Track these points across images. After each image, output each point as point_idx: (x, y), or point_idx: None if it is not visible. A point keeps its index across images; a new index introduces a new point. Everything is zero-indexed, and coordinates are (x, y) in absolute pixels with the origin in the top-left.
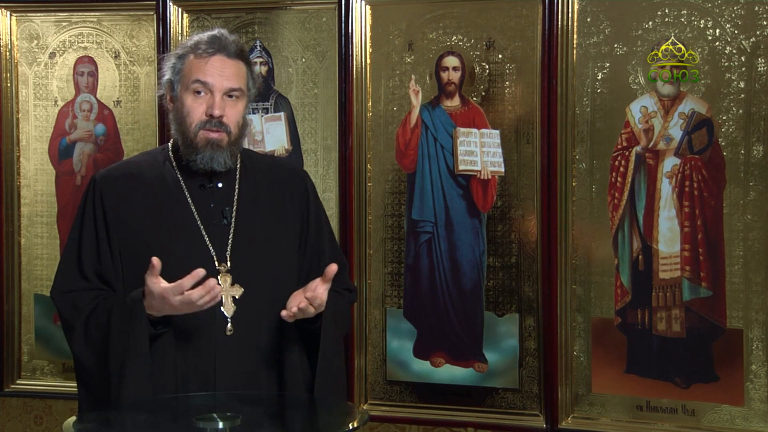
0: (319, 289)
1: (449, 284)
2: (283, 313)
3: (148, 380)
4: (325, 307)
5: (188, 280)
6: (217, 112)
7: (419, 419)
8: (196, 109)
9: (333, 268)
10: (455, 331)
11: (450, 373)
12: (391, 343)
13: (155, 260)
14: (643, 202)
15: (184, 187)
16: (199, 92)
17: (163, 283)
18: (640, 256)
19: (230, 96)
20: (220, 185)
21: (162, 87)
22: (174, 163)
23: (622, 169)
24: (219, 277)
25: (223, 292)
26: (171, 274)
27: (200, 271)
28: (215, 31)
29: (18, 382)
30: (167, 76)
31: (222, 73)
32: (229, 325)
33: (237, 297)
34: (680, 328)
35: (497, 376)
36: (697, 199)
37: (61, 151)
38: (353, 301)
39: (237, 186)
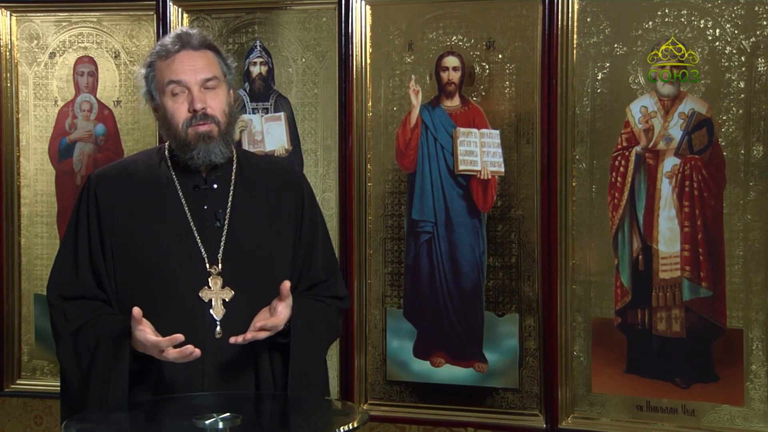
0: (279, 310)
1: (449, 284)
2: (231, 339)
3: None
4: (295, 323)
5: (166, 342)
6: (198, 106)
7: (419, 419)
8: (178, 110)
9: (286, 285)
10: (455, 331)
11: (450, 373)
12: (391, 343)
13: (136, 311)
14: (643, 202)
15: (179, 187)
16: (176, 93)
17: (147, 333)
18: (640, 256)
19: (207, 87)
20: (215, 186)
21: (143, 100)
22: (170, 164)
23: (622, 169)
24: (210, 279)
25: (214, 294)
26: (163, 275)
27: (179, 337)
28: (177, 30)
29: (18, 382)
30: (144, 88)
31: (192, 67)
32: (218, 328)
33: (227, 300)
34: (680, 328)
35: (497, 376)
36: (697, 199)
37: (61, 151)
38: (343, 308)
39: (232, 188)
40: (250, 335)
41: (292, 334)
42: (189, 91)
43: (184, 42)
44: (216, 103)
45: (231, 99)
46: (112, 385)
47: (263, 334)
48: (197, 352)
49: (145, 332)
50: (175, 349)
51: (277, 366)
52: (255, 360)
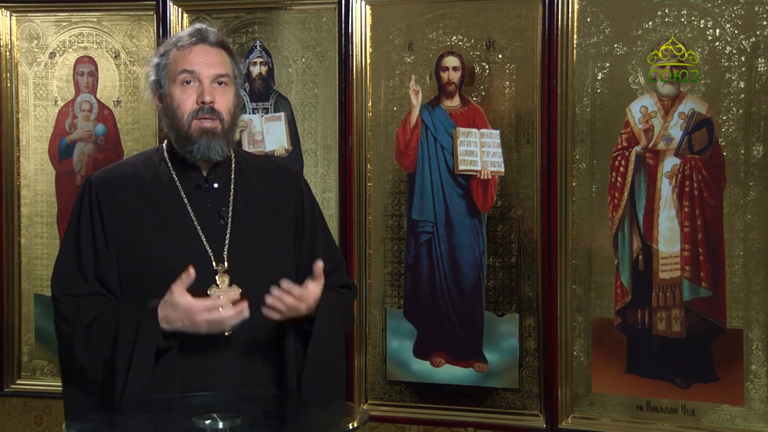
0: (310, 287)
1: (449, 284)
2: (266, 309)
3: (149, 388)
4: (320, 307)
5: (225, 299)
6: (208, 98)
7: (419, 419)
8: (186, 100)
9: (319, 264)
10: (455, 331)
11: (450, 373)
12: (391, 343)
13: (192, 271)
14: (643, 202)
15: (180, 187)
16: (187, 82)
17: (192, 298)
18: (640, 256)
19: (219, 83)
20: (215, 186)
21: (148, 89)
22: (169, 164)
23: (622, 169)
24: (217, 277)
25: (222, 292)
26: (170, 275)
27: (235, 293)
28: (195, 25)
29: (18, 382)
30: (152, 77)
31: (207, 60)
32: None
33: None
34: (680, 328)
35: (497, 376)
36: (697, 199)
37: (61, 151)
38: (353, 297)
39: (232, 186)
40: (277, 303)
41: (317, 320)
42: (200, 83)
43: (201, 36)
44: (224, 100)
45: (237, 102)
46: (135, 362)
47: (290, 300)
48: (246, 307)
49: (188, 296)
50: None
51: (285, 364)
52: (264, 358)
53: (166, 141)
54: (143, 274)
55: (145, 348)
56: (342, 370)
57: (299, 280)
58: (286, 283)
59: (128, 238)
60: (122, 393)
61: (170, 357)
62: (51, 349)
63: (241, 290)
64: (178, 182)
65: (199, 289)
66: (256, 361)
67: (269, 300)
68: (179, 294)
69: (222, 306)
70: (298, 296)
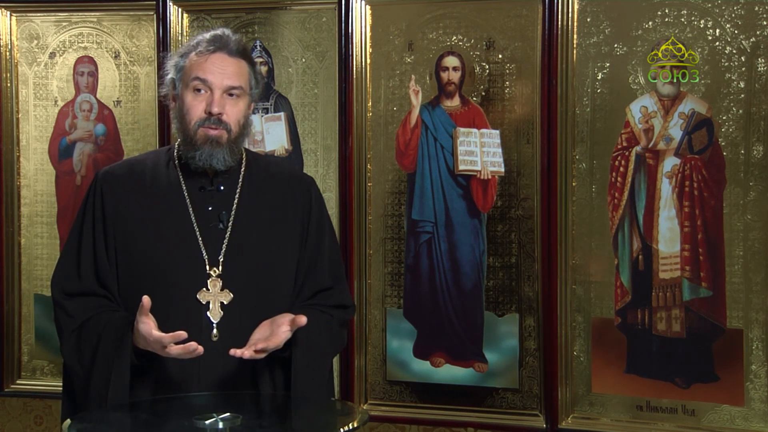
0: (280, 330)
1: (449, 284)
2: (231, 352)
3: (126, 396)
4: (297, 338)
5: (168, 338)
6: (215, 110)
7: (419, 419)
8: (195, 107)
9: (302, 320)
10: (455, 331)
11: (450, 373)
12: (391, 343)
13: (145, 300)
14: (643, 202)
15: (184, 188)
16: (199, 90)
17: (151, 327)
18: (640, 256)
19: (230, 94)
20: (221, 188)
21: (165, 86)
22: (177, 164)
23: (622, 169)
24: (209, 281)
25: (212, 296)
26: (163, 275)
27: (182, 334)
28: (218, 30)
29: (18, 382)
30: (170, 74)
31: (222, 71)
32: (215, 330)
33: (225, 303)
34: (680, 328)
35: (497, 376)
36: (697, 199)
37: (61, 151)
38: (346, 318)
39: (239, 190)
40: (248, 354)
41: (293, 351)
42: (211, 93)
43: (222, 44)
44: (234, 111)
45: (249, 112)
46: (113, 382)
47: (262, 355)
48: (200, 349)
49: (149, 326)
50: (178, 345)
51: (277, 374)
52: (253, 366)
53: (178, 141)
54: (138, 272)
55: (122, 362)
56: (327, 391)
57: (297, 290)
58: (257, 341)
59: (127, 236)
60: (100, 400)
61: (154, 361)
62: (51, 349)
63: (232, 296)
64: (183, 183)
65: (190, 292)
66: (242, 367)
67: (245, 354)
68: (140, 321)
69: (165, 343)
70: (270, 350)
